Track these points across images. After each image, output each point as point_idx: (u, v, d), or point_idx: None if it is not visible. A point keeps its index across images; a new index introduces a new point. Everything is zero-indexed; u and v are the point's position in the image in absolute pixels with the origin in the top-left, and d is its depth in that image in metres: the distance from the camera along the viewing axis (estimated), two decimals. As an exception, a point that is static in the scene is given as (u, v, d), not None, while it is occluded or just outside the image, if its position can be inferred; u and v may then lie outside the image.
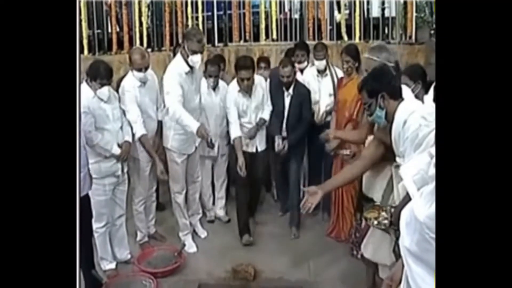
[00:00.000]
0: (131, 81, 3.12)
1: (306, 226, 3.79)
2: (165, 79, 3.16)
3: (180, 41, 4.72)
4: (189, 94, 3.22)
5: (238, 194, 3.67)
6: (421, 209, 1.02)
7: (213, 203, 3.95)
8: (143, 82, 3.15)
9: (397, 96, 2.04)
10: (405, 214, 1.12)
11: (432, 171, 1.14)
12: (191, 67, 3.16)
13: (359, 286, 2.70)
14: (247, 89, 3.43)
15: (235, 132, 3.43)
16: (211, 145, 3.15)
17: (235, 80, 3.49)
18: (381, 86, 2.04)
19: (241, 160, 3.35)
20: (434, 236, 0.98)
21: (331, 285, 2.88)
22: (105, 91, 2.83)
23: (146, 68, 3.13)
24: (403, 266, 1.22)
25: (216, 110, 3.64)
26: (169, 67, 3.24)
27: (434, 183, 1.00)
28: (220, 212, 3.95)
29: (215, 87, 3.60)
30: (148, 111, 3.23)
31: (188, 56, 3.11)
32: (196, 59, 3.11)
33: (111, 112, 2.92)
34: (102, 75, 2.79)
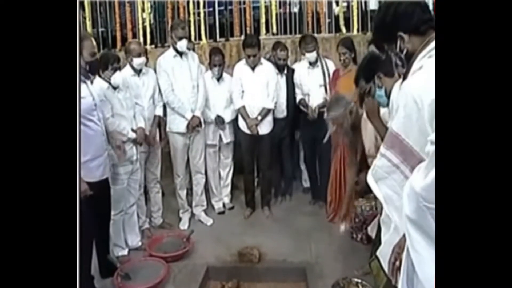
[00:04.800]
0: (126, 70, 3.42)
1: (307, 212, 3.98)
2: (156, 67, 3.64)
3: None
4: (180, 77, 3.58)
5: (246, 181, 4.06)
6: (418, 181, 1.11)
7: (220, 193, 4.14)
8: (138, 72, 3.43)
9: (391, 74, 2.14)
10: (406, 188, 1.25)
11: (381, 162, 1.41)
12: (180, 53, 3.58)
13: (357, 265, 2.87)
14: (252, 65, 3.74)
15: (237, 103, 3.81)
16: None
17: (242, 60, 3.91)
18: (375, 69, 2.15)
19: (252, 122, 3.77)
20: (427, 204, 1.07)
21: (332, 266, 3.01)
22: (118, 76, 3.03)
23: (144, 54, 3.45)
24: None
25: (221, 100, 3.86)
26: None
27: (428, 159, 1.11)
28: (225, 199, 4.15)
29: (219, 78, 3.82)
30: (141, 101, 3.44)
31: (176, 43, 3.55)
32: (182, 44, 3.53)
33: (124, 101, 3.12)
34: (112, 60, 3.01)
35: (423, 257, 1.13)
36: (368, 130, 2.42)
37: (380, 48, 1.54)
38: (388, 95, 2.10)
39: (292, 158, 4.26)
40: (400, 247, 1.47)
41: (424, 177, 1.08)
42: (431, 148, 1.06)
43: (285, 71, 3.98)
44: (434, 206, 1.06)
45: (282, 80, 3.97)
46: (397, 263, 1.46)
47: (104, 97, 2.87)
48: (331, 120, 2.64)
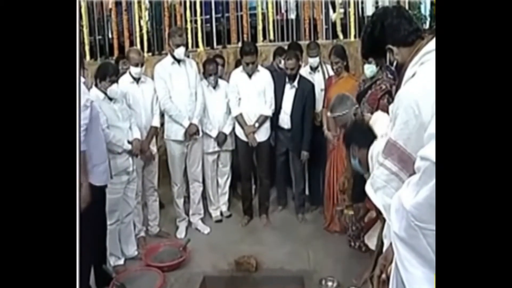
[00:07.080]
0: (125, 77, 3.43)
1: (305, 220, 3.95)
2: (154, 73, 3.63)
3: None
4: (178, 84, 3.57)
5: (243, 188, 4.04)
6: (408, 198, 1.06)
7: (218, 201, 4.11)
8: (137, 80, 3.44)
9: (366, 146, 2.15)
10: (394, 201, 1.22)
11: (379, 172, 1.40)
12: (177, 60, 3.56)
13: (355, 273, 2.84)
14: (250, 72, 3.72)
15: (235, 111, 3.78)
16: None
17: (238, 68, 3.89)
18: (352, 139, 2.25)
19: (249, 129, 3.75)
20: (419, 224, 1.02)
21: (329, 274, 2.97)
22: (115, 88, 3.01)
23: (142, 64, 3.46)
24: None
25: (219, 108, 3.84)
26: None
27: (419, 175, 1.08)
28: (223, 207, 4.12)
29: (215, 86, 3.82)
30: (139, 110, 3.44)
31: (173, 51, 3.52)
32: (180, 51, 3.52)
33: (120, 113, 3.10)
34: (111, 72, 3.01)
35: (414, 276, 1.08)
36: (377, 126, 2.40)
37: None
38: (365, 162, 2.14)
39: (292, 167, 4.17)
40: (386, 259, 1.44)
41: (415, 194, 1.03)
42: (421, 164, 1.02)
43: (295, 83, 3.74)
44: (426, 225, 1.01)
45: (291, 92, 3.77)
46: (383, 275, 1.43)
47: (99, 108, 2.85)
48: (334, 119, 2.64)
